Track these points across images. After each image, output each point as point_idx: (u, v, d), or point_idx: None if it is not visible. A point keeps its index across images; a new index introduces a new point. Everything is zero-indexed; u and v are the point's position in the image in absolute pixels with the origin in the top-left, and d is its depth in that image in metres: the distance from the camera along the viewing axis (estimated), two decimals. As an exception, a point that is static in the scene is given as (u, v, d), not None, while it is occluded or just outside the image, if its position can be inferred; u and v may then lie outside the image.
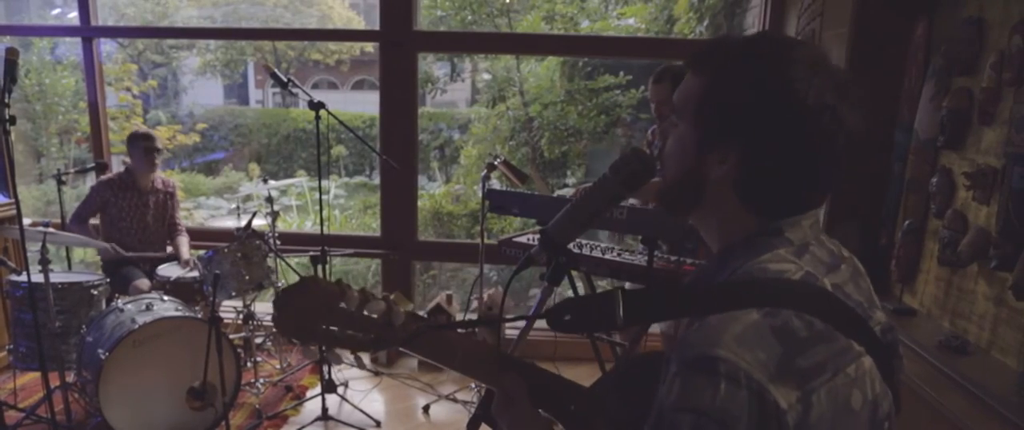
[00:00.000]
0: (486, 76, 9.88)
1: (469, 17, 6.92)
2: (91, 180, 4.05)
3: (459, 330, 1.04)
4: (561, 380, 1.06)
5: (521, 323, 2.64)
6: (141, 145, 3.84)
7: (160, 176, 4.08)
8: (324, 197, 3.63)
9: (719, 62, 0.89)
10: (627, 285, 3.24)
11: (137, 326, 2.97)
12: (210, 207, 9.34)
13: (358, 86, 14.97)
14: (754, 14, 4.35)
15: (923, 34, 2.79)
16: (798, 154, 0.85)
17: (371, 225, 8.06)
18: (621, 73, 6.49)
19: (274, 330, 4.04)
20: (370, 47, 13.71)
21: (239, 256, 3.58)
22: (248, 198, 8.97)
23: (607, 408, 1.05)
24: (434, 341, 0.98)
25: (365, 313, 0.89)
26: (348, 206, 8.97)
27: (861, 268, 0.96)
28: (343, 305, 0.88)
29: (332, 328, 0.89)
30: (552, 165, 7.18)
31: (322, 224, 3.52)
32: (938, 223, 2.55)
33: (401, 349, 0.96)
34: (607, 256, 2.76)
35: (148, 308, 3.15)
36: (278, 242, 3.81)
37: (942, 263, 2.51)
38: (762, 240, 0.88)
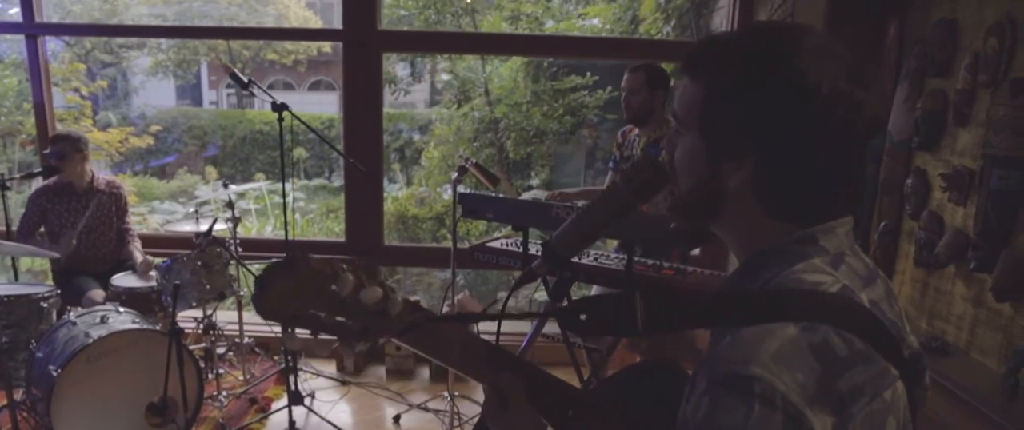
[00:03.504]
0: (445, 76, 9.78)
1: (433, 16, 6.82)
2: (40, 184, 3.85)
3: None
4: (560, 383, 0.99)
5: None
6: (70, 147, 3.65)
7: (104, 177, 3.90)
8: (286, 201, 3.50)
9: (717, 63, 0.83)
10: (594, 289, 3.20)
11: (91, 340, 2.81)
12: (165, 212, 9.05)
13: (315, 87, 14.72)
14: (722, 15, 4.35)
15: (895, 35, 2.80)
16: (817, 150, 0.79)
17: (334, 229, 7.89)
18: (587, 74, 6.47)
19: (236, 341, 3.90)
20: (327, 47, 13.48)
21: (199, 264, 3.43)
22: (205, 202, 8.71)
23: (610, 418, 0.99)
24: (430, 334, 0.89)
25: (359, 298, 0.79)
26: (309, 209, 8.78)
27: (891, 286, 0.90)
28: (335, 288, 0.78)
29: (319, 313, 0.79)
30: (517, 166, 7.13)
31: (286, 229, 3.40)
32: (914, 224, 2.56)
33: (393, 340, 0.86)
34: (583, 260, 2.71)
35: (103, 321, 2.99)
36: (240, 249, 3.67)
37: (918, 264, 2.52)
38: (795, 248, 0.82)
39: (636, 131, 3.24)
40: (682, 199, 0.91)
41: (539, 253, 2.71)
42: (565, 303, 0.79)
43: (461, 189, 3.15)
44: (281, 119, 3.24)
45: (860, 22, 2.95)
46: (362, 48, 4.10)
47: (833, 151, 0.79)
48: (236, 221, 3.69)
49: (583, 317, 0.78)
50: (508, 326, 1.34)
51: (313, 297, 0.78)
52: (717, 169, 0.84)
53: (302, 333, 0.81)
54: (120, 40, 10.69)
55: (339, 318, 0.79)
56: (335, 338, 0.81)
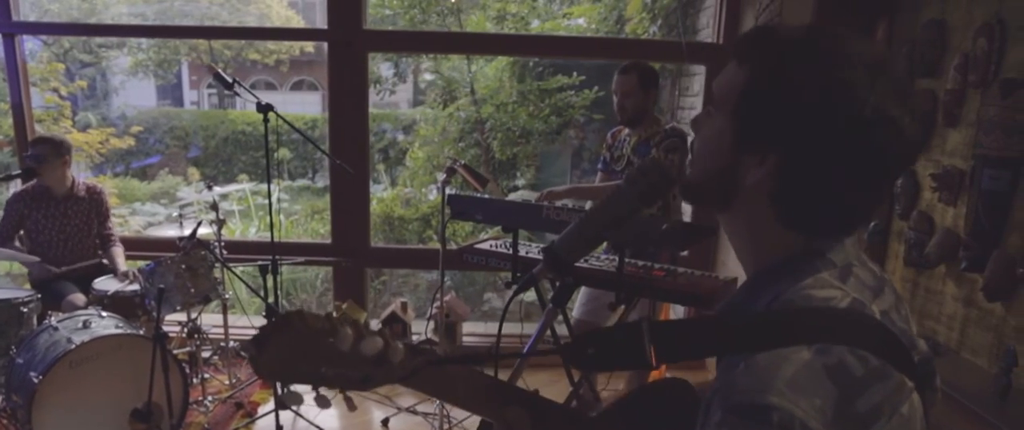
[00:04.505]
0: (428, 76, 9.72)
1: (418, 16, 6.77)
2: (18, 187, 3.77)
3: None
4: (569, 412, 0.97)
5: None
6: (51, 150, 3.57)
7: (84, 181, 3.82)
8: (271, 203, 3.45)
9: (769, 53, 0.80)
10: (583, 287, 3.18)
11: (74, 346, 2.75)
12: (146, 214, 8.93)
13: (297, 86, 14.62)
14: (708, 14, 4.35)
15: (883, 36, 2.81)
16: (844, 168, 0.77)
17: (319, 231, 7.82)
18: (574, 74, 6.45)
19: (222, 345, 3.84)
20: (310, 47, 13.37)
21: (183, 268, 3.38)
22: (188, 204, 8.60)
23: None
24: (433, 376, 0.87)
25: (359, 350, 0.77)
26: (292, 210, 8.70)
27: (899, 292, 0.89)
28: (333, 342, 0.76)
29: (319, 369, 0.77)
30: (503, 166, 7.10)
31: (272, 231, 3.36)
32: (903, 224, 2.57)
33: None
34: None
35: (85, 326, 2.94)
36: (225, 252, 3.62)
37: (908, 264, 2.53)
38: (803, 263, 0.80)
39: (627, 131, 3.23)
40: (696, 179, 0.89)
41: (539, 256, 2.70)
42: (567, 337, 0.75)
43: (448, 190, 3.13)
44: (267, 120, 3.19)
45: (849, 22, 2.95)
46: (347, 48, 4.05)
47: (861, 172, 0.77)
48: (221, 223, 3.63)
49: (591, 351, 0.75)
50: (508, 328, 1.33)
51: (312, 354, 0.76)
52: (738, 158, 0.82)
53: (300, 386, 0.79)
54: (99, 39, 10.54)
55: (339, 371, 0.78)
56: (336, 389, 0.78)
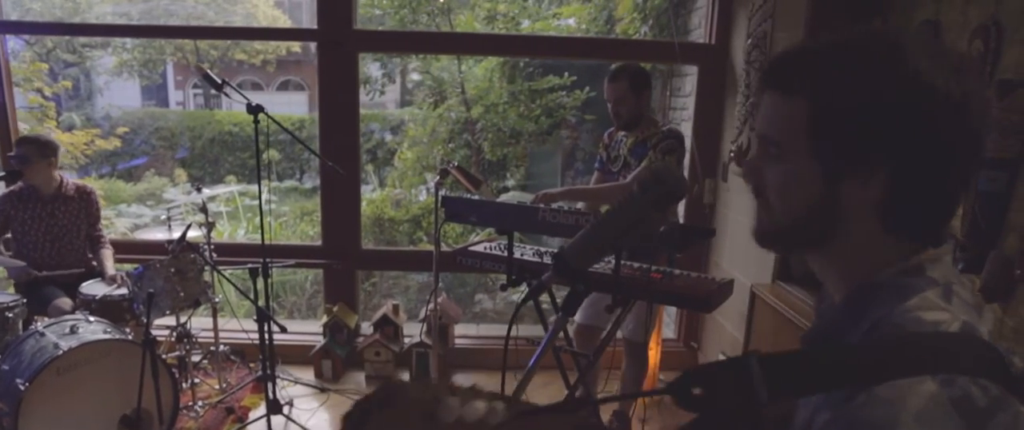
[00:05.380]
0: (416, 77, 9.67)
1: (408, 16, 6.73)
2: (2, 189, 3.70)
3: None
4: None
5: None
6: (37, 152, 3.52)
7: (73, 181, 3.76)
8: (262, 205, 3.40)
9: (821, 73, 0.77)
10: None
11: (61, 352, 2.70)
12: (132, 215, 8.81)
13: (284, 87, 14.52)
14: (700, 15, 4.35)
15: (878, 37, 2.81)
16: (954, 158, 0.75)
17: (309, 232, 7.76)
18: (565, 74, 6.43)
19: (211, 349, 3.79)
20: (297, 47, 13.28)
21: (173, 271, 3.33)
22: (175, 206, 8.51)
23: None
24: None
25: (462, 418, 0.71)
26: (281, 212, 8.63)
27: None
28: (436, 413, 0.70)
29: None
30: (493, 167, 7.08)
31: (263, 233, 3.32)
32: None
33: None
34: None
35: (72, 331, 2.89)
36: (214, 255, 3.58)
37: (904, 265, 2.53)
38: (904, 281, 0.77)
39: (623, 132, 3.21)
40: (785, 226, 0.84)
41: (533, 258, 2.68)
42: (690, 367, 0.68)
43: (440, 191, 3.11)
44: (257, 121, 3.15)
45: (842, 22, 2.96)
46: (338, 48, 4.01)
47: (965, 158, 0.76)
48: (210, 226, 3.59)
49: (697, 393, 0.69)
50: (500, 331, 1.31)
51: (415, 426, 0.71)
52: (835, 190, 0.79)
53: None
54: (83, 39, 10.41)
55: None
56: None
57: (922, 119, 0.73)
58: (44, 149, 3.55)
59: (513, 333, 1.32)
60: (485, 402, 0.73)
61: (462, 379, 4.09)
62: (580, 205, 3.23)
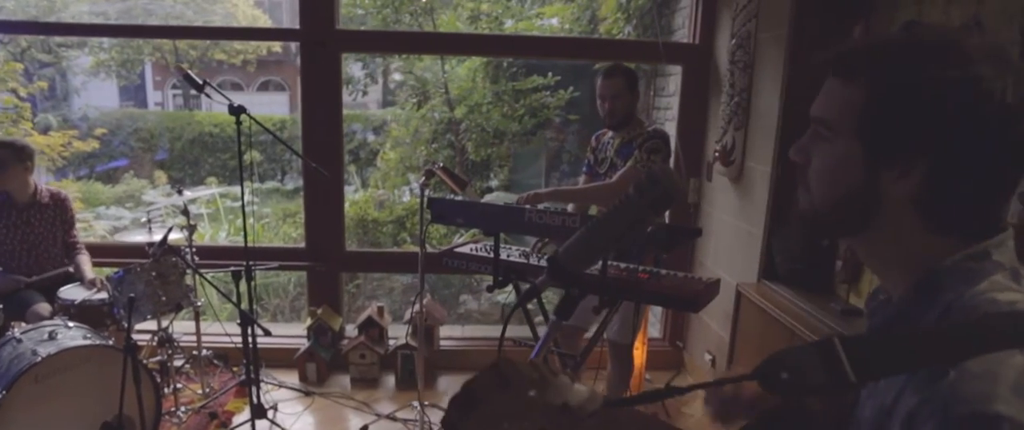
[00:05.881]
0: (398, 77, 9.62)
1: (391, 16, 6.69)
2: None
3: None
4: None
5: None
6: (12, 158, 3.44)
7: (47, 188, 3.68)
8: (238, 205, 3.35)
9: (883, 63, 0.78)
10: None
11: (40, 359, 2.65)
12: (111, 218, 8.68)
13: (264, 87, 14.40)
14: (684, 15, 4.36)
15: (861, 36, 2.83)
16: (996, 160, 0.75)
17: (292, 234, 7.70)
18: (549, 74, 6.43)
19: (194, 353, 3.74)
20: (277, 47, 13.17)
21: (154, 275, 3.29)
22: (154, 207, 8.41)
23: None
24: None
25: (567, 401, 0.69)
26: (263, 213, 8.55)
27: None
28: (539, 394, 0.67)
29: (530, 425, 0.67)
30: (477, 167, 7.06)
31: (246, 236, 3.27)
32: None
33: None
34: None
35: (51, 337, 2.83)
36: (196, 257, 3.53)
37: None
38: (970, 265, 0.78)
39: (610, 134, 3.21)
40: (823, 209, 0.85)
41: (520, 259, 2.67)
42: (772, 352, 0.68)
43: (424, 192, 3.09)
44: (239, 122, 3.11)
45: (826, 22, 2.97)
46: (321, 48, 3.98)
47: (1013, 163, 0.76)
48: (192, 229, 3.54)
49: (785, 376, 0.68)
50: (486, 331, 1.30)
51: (523, 409, 0.67)
52: (875, 177, 0.80)
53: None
54: (59, 38, 10.25)
55: (541, 424, 0.68)
56: None
57: (970, 122, 0.74)
58: (20, 153, 3.48)
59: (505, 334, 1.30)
60: (586, 387, 0.72)
61: (449, 382, 4.07)
62: (570, 207, 3.22)
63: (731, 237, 3.59)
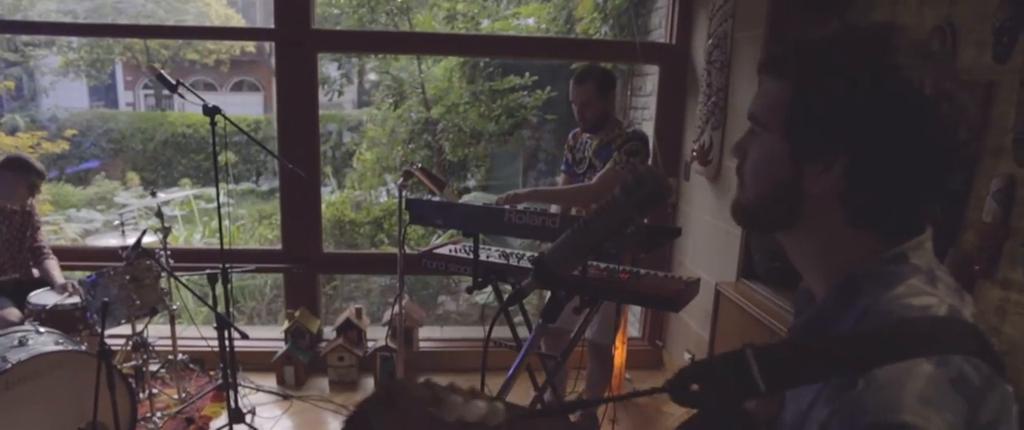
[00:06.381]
0: (373, 77, 9.55)
1: (367, 15, 6.64)
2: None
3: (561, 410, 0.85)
4: None
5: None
6: (25, 180, 3.44)
7: None
8: (213, 206, 3.31)
9: (807, 61, 0.79)
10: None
11: (10, 365, 2.59)
12: (82, 220, 8.53)
13: (238, 87, 14.24)
14: (660, 15, 4.38)
15: (836, 38, 2.86)
16: (917, 154, 0.75)
17: (268, 236, 7.61)
18: (526, 74, 6.42)
19: (169, 358, 3.68)
20: (251, 46, 13.02)
21: (128, 279, 3.23)
22: (127, 208, 8.27)
23: None
24: None
25: (463, 418, 0.70)
26: (238, 215, 8.44)
27: None
28: (435, 412, 0.69)
29: None
30: (454, 168, 7.03)
31: (221, 238, 3.23)
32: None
33: None
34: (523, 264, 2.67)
35: (21, 343, 2.76)
36: (171, 260, 3.47)
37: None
38: (888, 269, 0.78)
39: (587, 134, 3.21)
40: (754, 204, 0.86)
41: (499, 260, 2.66)
42: (685, 365, 0.68)
43: (402, 193, 3.07)
44: (214, 123, 3.07)
45: (802, 22, 3.00)
46: (296, 48, 3.94)
47: (933, 156, 0.76)
48: (166, 231, 3.49)
49: (696, 388, 0.69)
50: (467, 332, 1.29)
51: (422, 427, 0.69)
52: (799, 172, 0.80)
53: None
54: (26, 37, 10.03)
55: None
56: None
57: (887, 114, 0.74)
58: (41, 179, 3.56)
59: (480, 336, 1.30)
60: (486, 402, 0.73)
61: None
62: (554, 208, 3.22)
63: (710, 236, 3.62)
